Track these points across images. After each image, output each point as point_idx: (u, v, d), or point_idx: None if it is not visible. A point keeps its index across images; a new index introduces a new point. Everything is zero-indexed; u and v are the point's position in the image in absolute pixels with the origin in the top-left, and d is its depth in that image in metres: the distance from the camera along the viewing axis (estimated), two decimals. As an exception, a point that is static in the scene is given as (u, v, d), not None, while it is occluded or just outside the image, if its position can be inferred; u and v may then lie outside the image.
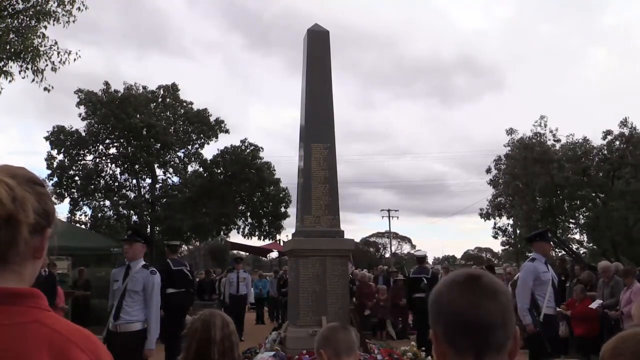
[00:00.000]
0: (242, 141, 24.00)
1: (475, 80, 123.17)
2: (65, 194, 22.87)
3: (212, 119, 24.20)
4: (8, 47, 10.56)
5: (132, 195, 23.93)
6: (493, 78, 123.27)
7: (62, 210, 23.25)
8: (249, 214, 24.58)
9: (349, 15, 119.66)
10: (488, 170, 23.90)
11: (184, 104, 24.36)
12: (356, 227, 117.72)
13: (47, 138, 22.71)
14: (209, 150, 47.02)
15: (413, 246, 63.16)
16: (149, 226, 22.54)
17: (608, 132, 21.10)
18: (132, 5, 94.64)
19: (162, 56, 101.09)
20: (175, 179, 24.64)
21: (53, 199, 1.21)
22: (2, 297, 1.07)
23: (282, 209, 24.21)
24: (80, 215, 23.69)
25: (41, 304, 1.12)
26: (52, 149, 22.79)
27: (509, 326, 1.27)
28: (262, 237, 24.88)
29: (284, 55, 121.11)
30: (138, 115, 22.04)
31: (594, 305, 9.65)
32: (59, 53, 11.08)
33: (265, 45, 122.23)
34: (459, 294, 1.27)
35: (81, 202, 23.53)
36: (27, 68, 10.81)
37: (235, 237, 27.56)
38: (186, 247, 39.13)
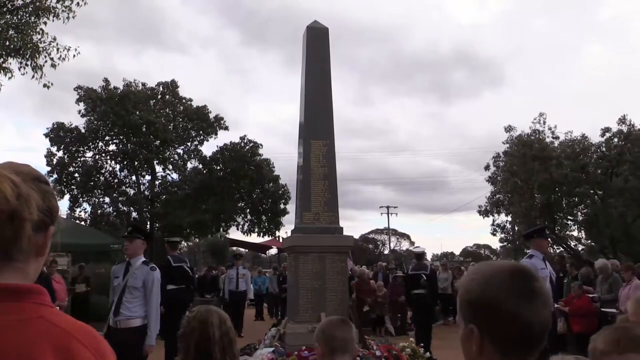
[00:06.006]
0: (242, 138, 24.04)
1: (474, 75, 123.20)
2: (65, 190, 22.87)
3: (211, 115, 24.21)
4: (7, 43, 10.54)
5: (132, 191, 23.94)
6: (491, 73, 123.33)
7: (62, 206, 23.19)
8: (248, 210, 24.61)
9: (346, 10, 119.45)
10: (487, 167, 23.94)
11: (184, 100, 24.34)
12: (355, 223, 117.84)
13: (46, 135, 22.70)
14: (209, 147, 46.89)
15: (412, 243, 63.28)
16: (148, 223, 22.56)
17: (606, 129, 21.13)
18: (127, 0, 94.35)
19: (158, 52, 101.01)
20: (175, 176, 24.68)
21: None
22: (6, 293, 1.08)
23: (281, 206, 24.23)
24: (80, 211, 23.77)
25: (44, 300, 1.13)
26: (51, 146, 22.80)
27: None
28: (262, 234, 24.92)
29: (282, 51, 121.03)
30: (137, 112, 22.03)
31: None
32: (58, 49, 11.08)
33: (262, 41, 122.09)
34: (527, 304, 1.22)
35: (81, 199, 23.55)
36: (26, 64, 10.79)
37: (234, 234, 27.72)
38: (185, 244, 39.16)
